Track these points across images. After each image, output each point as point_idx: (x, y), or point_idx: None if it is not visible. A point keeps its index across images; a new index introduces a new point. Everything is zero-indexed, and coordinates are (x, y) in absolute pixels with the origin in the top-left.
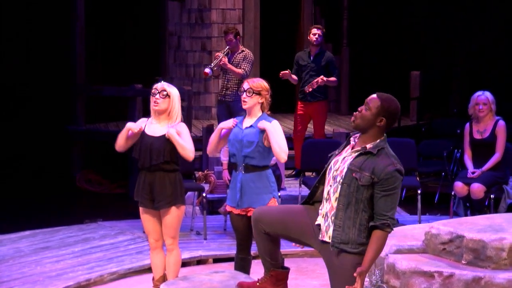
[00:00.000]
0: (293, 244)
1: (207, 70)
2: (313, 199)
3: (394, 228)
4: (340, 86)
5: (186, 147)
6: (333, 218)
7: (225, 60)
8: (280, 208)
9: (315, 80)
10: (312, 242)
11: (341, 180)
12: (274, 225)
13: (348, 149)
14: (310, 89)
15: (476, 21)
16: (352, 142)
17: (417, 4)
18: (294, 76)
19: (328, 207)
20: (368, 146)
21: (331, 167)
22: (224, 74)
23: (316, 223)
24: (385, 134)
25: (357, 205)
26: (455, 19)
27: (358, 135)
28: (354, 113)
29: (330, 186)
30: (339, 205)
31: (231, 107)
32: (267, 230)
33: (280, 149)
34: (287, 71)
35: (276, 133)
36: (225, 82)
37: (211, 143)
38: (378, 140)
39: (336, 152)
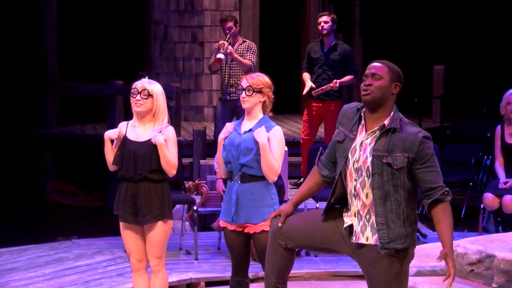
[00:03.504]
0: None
1: (220, 55)
2: (334, 197)
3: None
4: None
5: (171, 161)
6: (368, 216)
7: (232, 49)
8: (299, 216)
9: (327, 85)
10: (341, 247)
11: (368, 172)
12: (295, 236)
13: (362, 131)
14: (319, 92)
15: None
16: (362, 121)
17: None
18: (310, 83)
19: (359, 204)
20: (386, 122)
21: (348, 158)
22: (225, 68)
23: (346, 225)
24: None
25: (396, 194)
26: (486, 3)
27: (365, 109)
28: (365, 87)
29: (356, 180)
30: (375, 200)
31: (237, 108)
32: (288, 244)
33: (270, 170)
34: (310, 86)
35: (272, 147)
36: (228, 78)
37: (220, 163)
38: (392, 113)
39: (350, 135)
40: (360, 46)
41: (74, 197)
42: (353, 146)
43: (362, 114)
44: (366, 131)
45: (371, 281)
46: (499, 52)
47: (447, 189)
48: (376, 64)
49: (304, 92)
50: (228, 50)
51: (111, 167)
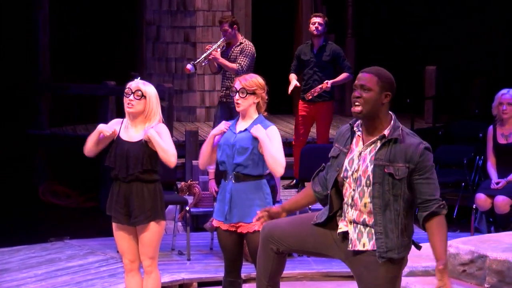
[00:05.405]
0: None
1: (189, 66)
2: (333, 210)
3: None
4: (344, 84)
5: (168, 150)
6: (364, 224)
7: (216, 53)
8: (291, 219)
9: (318, 86)
10: (333, 252)
11: (368, 181)
12: (287, 240)
13: (358, 143)
14: (314, 94)
15: (504, 12)
16: (358, 133)
17: None
18: (295, 82)
19: (355, 214)
20: (386, 132)
21: (346, 168)
22: (224, 71)
23: (339, 231)
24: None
25: (396, 204)
26: (480, 3)
27: (359, 122)
28: (354, 99)
29: (354, 190)
30: (375, 209)
31: (233, 110)
32: (280, 248)
33: (275, 162)
34: (295, 85)
35: (272, 143)
36: (225, 81)
37: (203, 155)
38: (392, 122)
39: (343, 149)
40: (353, 47)
41: (67, 198)
42: (350, 158)
43: (355, 128)
44: (363, 143)
45: (364, 285)
46: (498, 52)
47: (443, 202)
48: (365, 74)
49: (289, 91)
50: (212, 56)
51: (86, 152)
